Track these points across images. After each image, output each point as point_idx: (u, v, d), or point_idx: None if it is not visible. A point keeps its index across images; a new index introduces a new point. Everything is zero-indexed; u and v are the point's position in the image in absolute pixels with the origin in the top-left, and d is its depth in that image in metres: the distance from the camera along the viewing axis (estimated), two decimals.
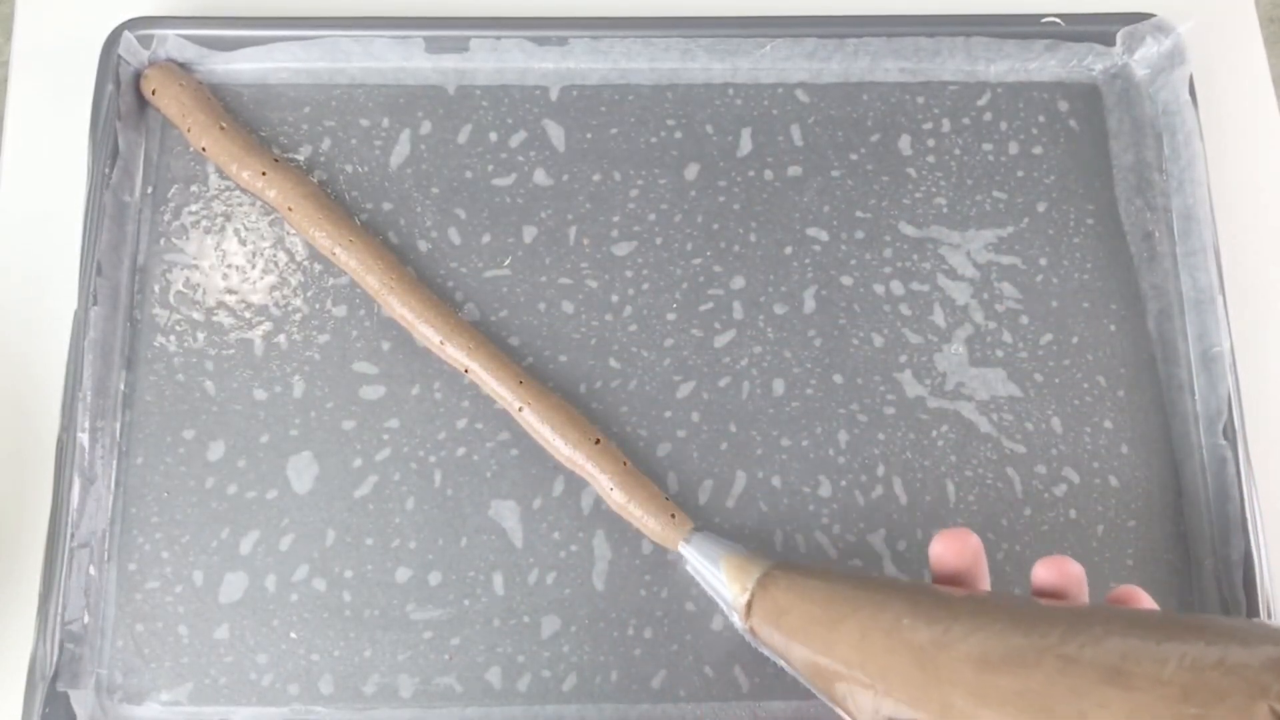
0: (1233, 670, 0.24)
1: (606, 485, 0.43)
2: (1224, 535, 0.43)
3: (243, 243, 0.46)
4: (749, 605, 0.36)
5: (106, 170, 0.45)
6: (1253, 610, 0.41)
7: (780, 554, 0.43)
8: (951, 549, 0.33)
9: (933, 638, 0.29)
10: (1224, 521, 0.43)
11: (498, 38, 0.47)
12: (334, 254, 0.45)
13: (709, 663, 0.42)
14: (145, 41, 0.47)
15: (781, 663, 0.35)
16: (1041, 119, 0.48)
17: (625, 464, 0.43)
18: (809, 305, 0.46)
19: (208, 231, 0.46)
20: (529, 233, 0.47)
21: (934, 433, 0.44)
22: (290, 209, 0.46)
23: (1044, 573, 0.32)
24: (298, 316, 0.45)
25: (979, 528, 0.43)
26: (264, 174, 0.46)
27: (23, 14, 0.50)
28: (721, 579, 0.38)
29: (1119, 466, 0.44)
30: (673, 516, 0.41)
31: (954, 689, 0.28)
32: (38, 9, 0.50)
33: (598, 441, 0.43)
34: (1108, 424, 0.45)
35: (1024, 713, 0.27)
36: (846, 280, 0.46)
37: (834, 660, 0.31)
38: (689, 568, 0.40)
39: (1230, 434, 0.43)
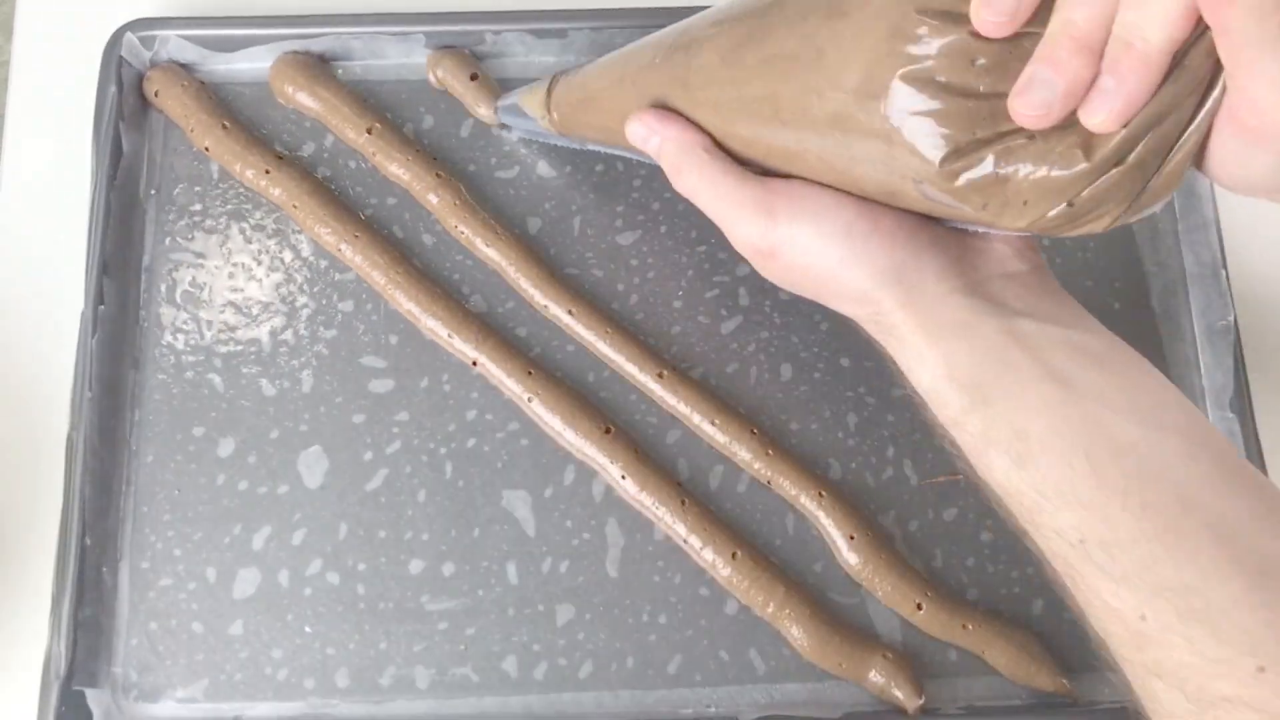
0: None
1: (617, 473, 0.43)
2: None
3: (248, 240, 0.46)
4: (554, 119, 0.41)
5: (110, 171, 0.45)
6: None
7: (792, 536, 0.43)
8: None
9: (679, 64, 0.34)
10: None
11: (497, 31, 0.48)
12: (339, 250, 0.46)
13: (724, 647, 0.42)
14: (147, 42, 0.47)
15: (597, 147, 0.42)
16: None
17: (635, 451, 0.43)
18: None
19: (213, 230, 0.47)
20: (533, 224, 0.47)
21: None
22: (295, 206, 0.46)
23: None
24: (305, 312, 0.45)
25: (987, 510, 0.43)
26: (268, 172, 0.46)
27: (24, 14, 0.50)
28: (531, 117, 0.42)
29: None
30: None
31: (710, 89, 0.32)
32: (38, 10, 0.50)
33: (608, 430, 0.43)
34: None
35: (771, 77, 0.30)
36: None
37: (615, 117, 0.36)
38: (515, 134, 0.47)
39: (1238, 407, 0.43)
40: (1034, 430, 0.28)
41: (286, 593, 0.42)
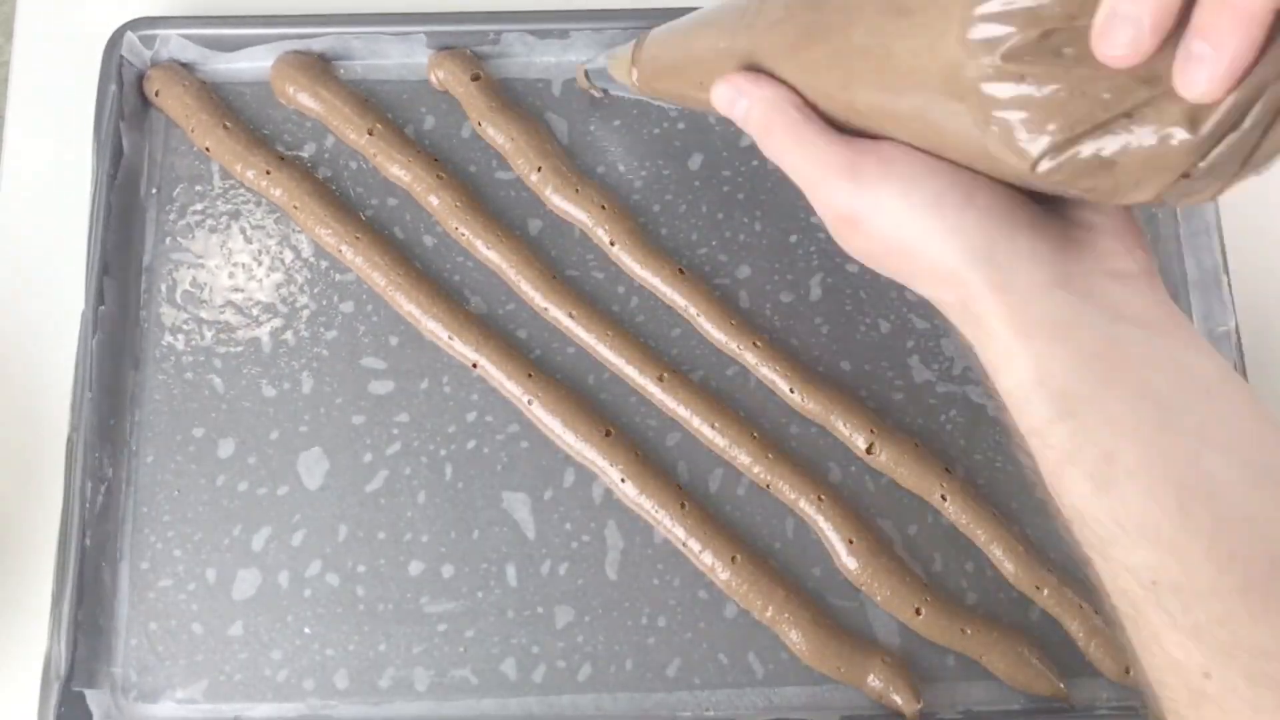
0: None
1: (617, 476, 0.43)
2: None
3: (248, 241, 0.46)
4: (638, 80, 0.40)
5: (111, 171, 0.45)
6: None
7: (791, 540, 0.43)
8: None
9: (748, 44, 0.33)
10: None
11: (498, 31, 0.48)
12: (340, 251, 0.46)
13: (723, 650, 0.42)
14: (148, 42, 0.47)
15: (675, 104, 0.44)
16: None
17: (635, 454, 0.43)
18: (815, 293, 0.46)
19: (213, 230, 0.47)
20: (534, 226, 0.47)
21: (943, 417, 0.45)
22: (295, 207, 0.46)
23: None
24: (305, 313, 0.45)
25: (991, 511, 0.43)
26: (268, 172, 0.46)
27: (24, 14, 0.50)
28: (616, 79, 0.42)
29: None
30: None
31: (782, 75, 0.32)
32: (38, 10, 0.50)
33: (608, 433, 0.43)
34: None
35: (843, 70, 0.29)
36: (852, 267, 0.46)
37: (695, 83, 0.35)
38: (606, 95, 0.46)
39: None
40: (1123, 454, 0.26)
41: (286, 594, 0.42)
